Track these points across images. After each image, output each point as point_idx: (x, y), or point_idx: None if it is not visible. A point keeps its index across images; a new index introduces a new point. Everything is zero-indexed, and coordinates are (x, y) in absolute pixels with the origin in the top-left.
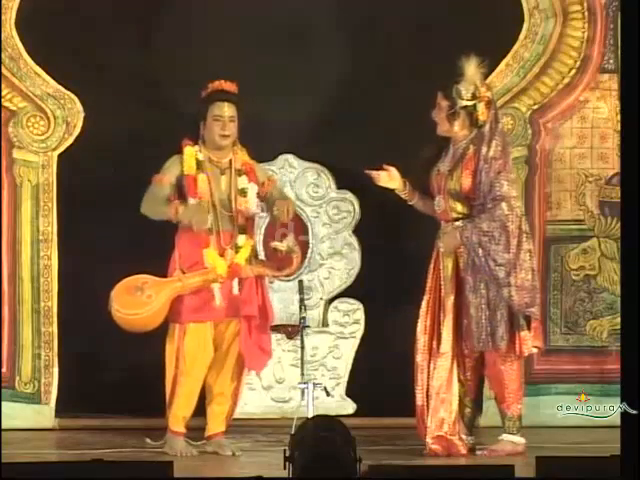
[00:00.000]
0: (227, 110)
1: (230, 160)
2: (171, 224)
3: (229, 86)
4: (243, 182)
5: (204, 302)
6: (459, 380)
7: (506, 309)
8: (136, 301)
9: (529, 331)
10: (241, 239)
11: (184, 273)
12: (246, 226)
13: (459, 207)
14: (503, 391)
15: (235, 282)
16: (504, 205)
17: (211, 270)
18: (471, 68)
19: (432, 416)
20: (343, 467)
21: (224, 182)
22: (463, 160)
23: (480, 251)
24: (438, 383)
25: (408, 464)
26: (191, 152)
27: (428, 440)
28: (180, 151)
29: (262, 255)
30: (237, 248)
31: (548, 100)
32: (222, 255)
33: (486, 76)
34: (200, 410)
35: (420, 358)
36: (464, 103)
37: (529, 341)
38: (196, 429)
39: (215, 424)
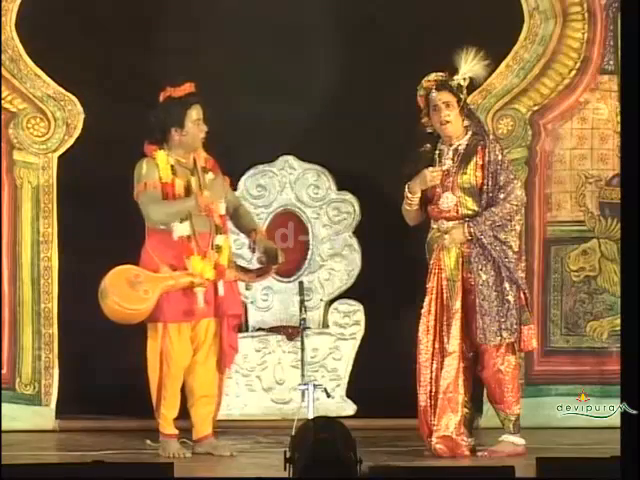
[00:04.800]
0: (201, 111)
1: (194, 158)
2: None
3: (194, 87)
4: (211, 180)
5: (187, 302)
6: None
7: (514, 301)
8: (135, 296)
9: (532, 326)
10: (220, 239)
11: (174, 270)
12: (221, 225)
13: (470, 203)
14: (503, 392)
15: (221, 284)
16: (518, 192)
17: (198, 274)
18: (469, 60)
19: (439, 416)
20: (343, 468)
21: (194, 183)
22: (474, 154)
23: (497, 243)
24: (446, 382)
25: (408, 465)
26: (164, 157)
27: (433, 440)
28: (144, 156)
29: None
30: (218, 249)
31: (548, 101)
32: (204, 257)
33: (486, 77)
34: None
35: (423, 358)
36: (463, 96)
37: (532, 337)
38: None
39: (203, 426)
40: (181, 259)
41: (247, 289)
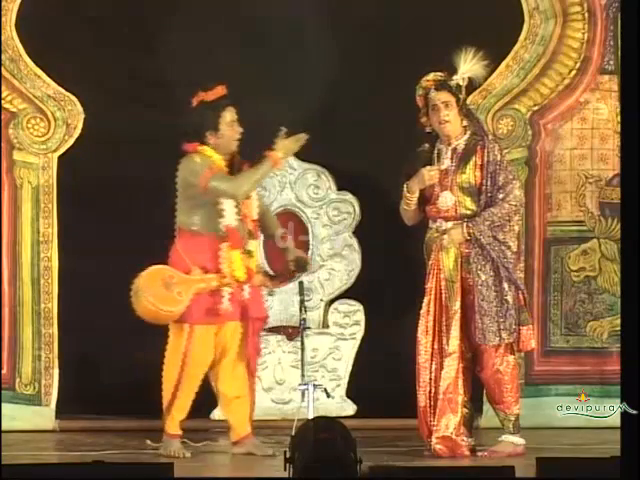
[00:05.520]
0: (235, 113)
1: (230, 161)
2: (171, 226)
3: (225, 90)
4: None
5: (214, 304)
6: None
7: (513, 302)
8: (170, 297)
9: (531, 326)
10: (252, 244)
11: (206, 273)
12: (254, 230)
13: (468, 202)
14: (502, 392)
15: (247, 287)
16: (517, 192)
17: (228, 274)
18: (468, 60)
19: (439, 416)
20: (343, 468)
21: None
22: (473, 154)
23: (496, 243)
24: (446, 383)
25: (409, 465)
26: (210, 151)
27: (433, 440)
28: (184, 154)
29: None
30: (249, 253)
31: (548, 101)
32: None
33: (486, 77)
34: (201, 411)
35: (423, 359)
36: (462, 96)
37: (531, 338)
38: (193, 430)
39: (241, 427)
40: (212, 261)
41: (270, 295)
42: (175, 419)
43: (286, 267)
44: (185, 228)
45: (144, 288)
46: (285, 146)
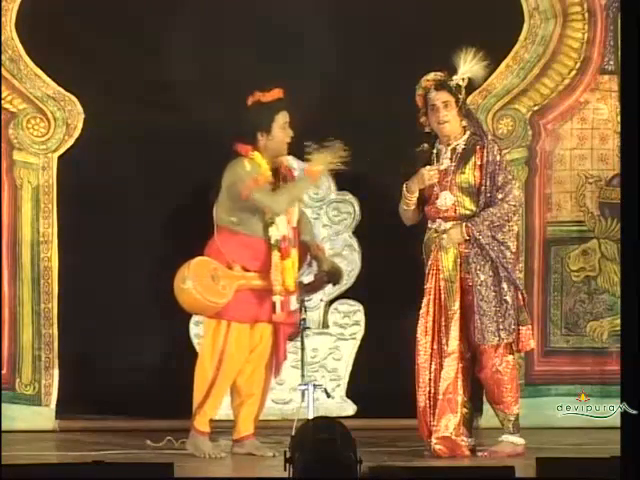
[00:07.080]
0: (288, 116)
1: (277, 167)
2: (168, 225)
3: (282, 93)
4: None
5: (257, 305)
6: None
7: (512, 302)
8: (215, 289)
9: (530, 326)
10: (293, 253)
11: (246, 271)
12: (294, 238)
13: (467, 202)
14: (501, 392)
15: (294, 298)
16: (516, 192)
17: (280, 283)
18: (467, 60)
19: (439, 417)
20: (343, 469)
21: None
22: (472, 154)
23: (495, 244)
24: (446, 383)
25: (409, 465)
26: (261, 159)
27: (433, 441)
28: (238, 155)
29: None
30: (293, 263)
31: (548, 101)
32: None
33: (486, 77)
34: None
35: (422, 359)
36: (461, 96)
37: (530, 338)
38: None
39: (245, 425)
40: (253, 261)
41: (298, 303)
42: (207, 416)
43: (318, 277)
44: (223, 225)
45: (193, 278)
46: (322, 159)
